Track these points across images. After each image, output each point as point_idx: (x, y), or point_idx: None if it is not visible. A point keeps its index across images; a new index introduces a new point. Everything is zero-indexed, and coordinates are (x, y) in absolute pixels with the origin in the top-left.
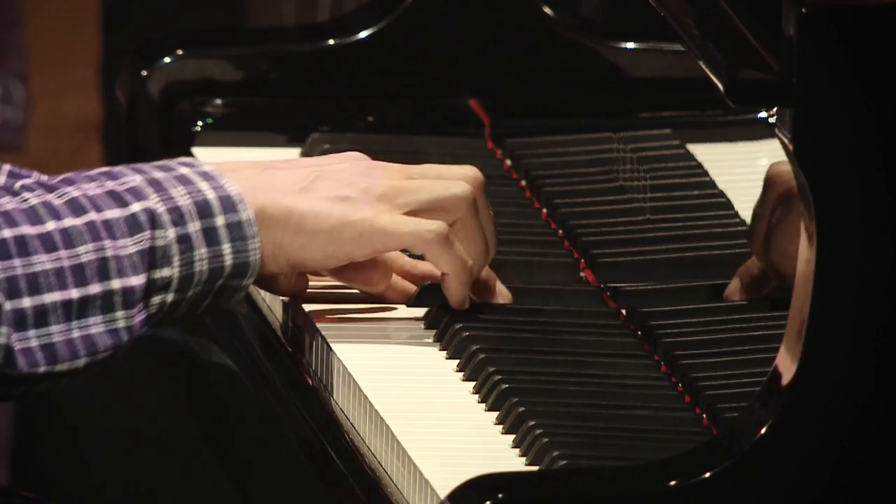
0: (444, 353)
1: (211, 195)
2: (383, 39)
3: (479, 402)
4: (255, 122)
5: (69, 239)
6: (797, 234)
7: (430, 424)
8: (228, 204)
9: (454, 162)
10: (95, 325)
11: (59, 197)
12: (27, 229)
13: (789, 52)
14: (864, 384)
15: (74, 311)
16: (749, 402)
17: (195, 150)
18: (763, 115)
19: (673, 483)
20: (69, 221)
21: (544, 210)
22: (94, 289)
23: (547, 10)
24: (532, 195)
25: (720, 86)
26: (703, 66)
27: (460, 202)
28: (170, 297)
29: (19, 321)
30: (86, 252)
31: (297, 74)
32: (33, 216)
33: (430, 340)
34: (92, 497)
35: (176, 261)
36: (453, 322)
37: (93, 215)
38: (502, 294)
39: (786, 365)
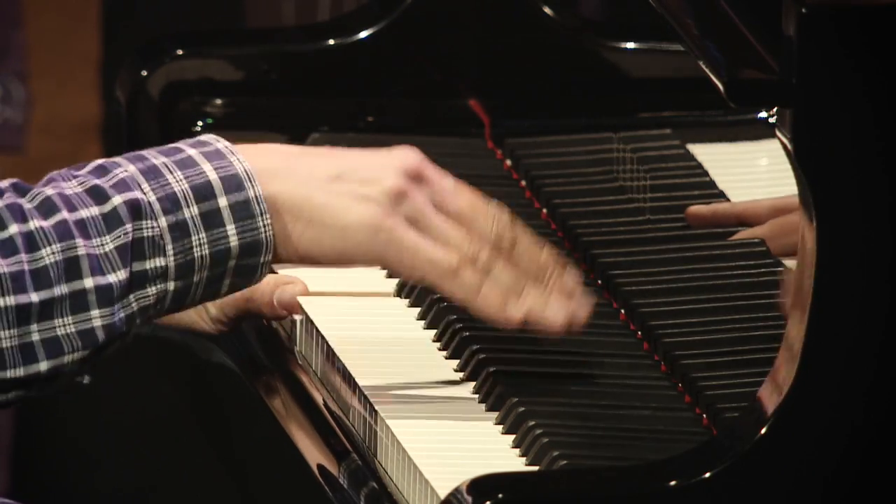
0: (444, 353)
1: (213, 176)
2: (383, 39)
3: (479, 403)
4: (255, 122)
5: (33, 242)
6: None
7: (430, 424)
8: (233, 183)
9: (454, 162)
10: (63, 327)
11: (30, 200)
12: None
13: (789, 52)
14: (863, 384)
15: (34, 314)
16: (749, 402)
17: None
18: (763, 115)
19: (673, 483)
20: (35, 224)
21: (544, 210)
22: (61, 290)
23: (547, 10)
24: (532, 195)
25: (720, 86)
26: (703, 66)
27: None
28: (171, 285)
29: None
30: (51, 254)
31: (297, 74)
32: None
33: (430, 341)
34: (92, 497)
35: (170, 249)
36: (453, 322)
37: (64, 215)
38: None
39: (786, 365)
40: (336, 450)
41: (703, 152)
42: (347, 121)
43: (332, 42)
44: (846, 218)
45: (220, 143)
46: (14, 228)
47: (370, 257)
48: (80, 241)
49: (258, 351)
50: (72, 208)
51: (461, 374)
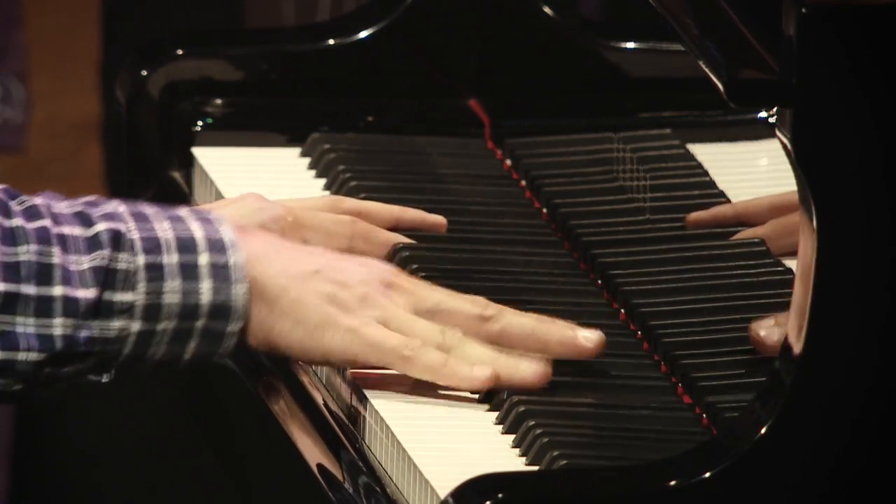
0: None
1: (199, 234)
2: (383, 39)
3: (479, 402)
4: (255, 122)
5: (11, 237)
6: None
7: (430, 424)
8: (217, 245)
9: (454, 162)
10: (23, 325)
11: (19, 203)
12: None
13: (789, 52)
14: (864, 384)
15: (1, 305)
16: (749, 402)
17: (195, 150)
18: (763, 115)
19: (673, 483)
20: (18, 222)
21: (544, 210)
22: (28, 289)
23: (547, 10)
24: (532, 195)
25: (720, 86)
26: (703, 66)
27: (478, 325)
28: (135, 325)
29: None
30: (26, 252)
31: (297, 74)
32: None
33: None
34: (92, 498)
35: (141, 287)
36: None
37: (47, 223)
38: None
39: (786, 365)
40: (336, 449)
41: (703, 152)
42: (347, 121)
43: (332, 42)
44: (846, 218)
45: (212, 213)
46: None
47: (340, 358)
48: (57, 251)
49: (258, 351)
50: (56, 222)
51: None
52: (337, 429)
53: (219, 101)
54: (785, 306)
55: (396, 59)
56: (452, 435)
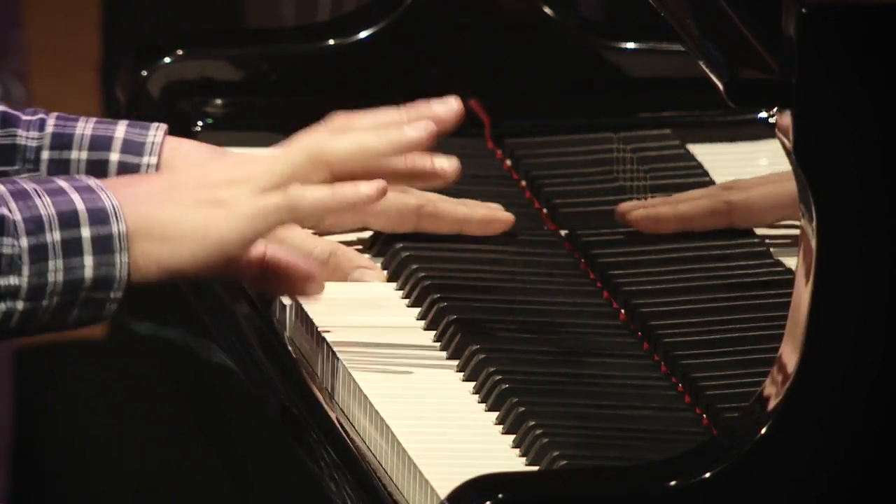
0: (445, 353)
1: (80, 206)
2: (383, 39)
3: (479, 402)
4: (255, 122)
5: None
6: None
7: (431, 424)
8: (99, 216)
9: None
10: None
11: None
12: None
13: (789, 52)
14: (864, 384)
15: None
16: (749, 402)
17: None
18: (763, 115)
19: (673, 483)
20: None
21: (544, 210)
22: None
23: (547, 10)
24: (532, 195)
25: (720, 86)
26: (703, 66)
27: (303, 156)
28: (20, 304)
29: None
30: None
31: (297, 74)
32: None
33: (431, 341)
34: (91, 497)
35: (25, 270)
36: (454, 322)
37: None
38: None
39: (786, 365)
40: (336, 449)
41: (703, 152)
42: None
43: (332, 42)
44: (846, 218)
45: (91, 180)
46: None
47: (235, 247)
48: None
49: (258, 351)
50: None
51: (461, 375)
52: (337, 428)
53: (219, 101)
54: (785, 307)
55: (396, 59)
56: (452, 435)
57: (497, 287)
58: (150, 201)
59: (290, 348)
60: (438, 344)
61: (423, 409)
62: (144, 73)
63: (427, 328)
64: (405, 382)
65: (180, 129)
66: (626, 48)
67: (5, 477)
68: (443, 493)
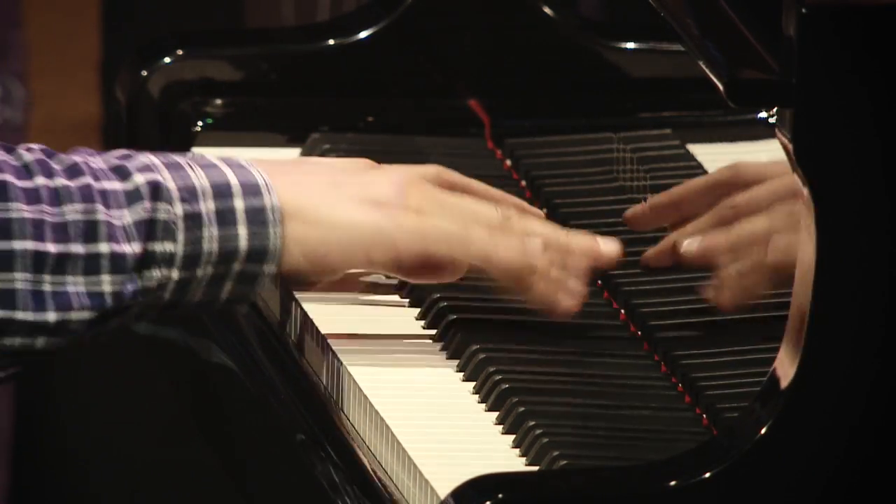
0: (445, 353)
1: (233, 179)
2: (383, 39)
3: (479, 402)
4: (255, 122)
5: (56, 197)
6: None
7: (430, 424)
8: (252, 189)
9: (454, 162)
10: (74, 285)
11: (57, 162)
12: (11, 179)
13: (789, 52)
14: (864, 384)
15: (48, 265)
16: (749, 402)
17: (195, 150)
18: (763, 115)
19: (673, 483)
20: (61, 181)
21: (544, 210)
22: (77, 248)
23: (547, 10)
24: (532, 195)
25: (720, 86)
26: (703, 66)
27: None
28: (174, 273)
29: None
30: (73, 212)
31: (297, 74)
32: (22, 171)
33: (431, 341)
34: (91, 497)
35: (181, 237)
36: (454, 323)
37: (89, 180)
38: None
39: (786, 365)
40: (336, 449)
41: (703, 152)
42: (347, 121)
43: (332, 42)
44: (846, 218)
45: (241, 159)
46: (41, 180)
47: (383, 252)
48: (100, 208)
49: (258, 351)
50: (96, 178)
51: (461, 375)
52: (338, 428)
53: (219, 101)
54: (785, 307)
55: (396, 59)
56: (452, 435)
57: (497, 287)
58: (307, 183)
59: (290, 348)
60: (439, 344)
61: (423, 409)
62: (144, 73)
63: (427, 328)
64: (405, 382)
65: (180, 129)
66: (626, 48)
67: (5, 477)
68: (443, 493)
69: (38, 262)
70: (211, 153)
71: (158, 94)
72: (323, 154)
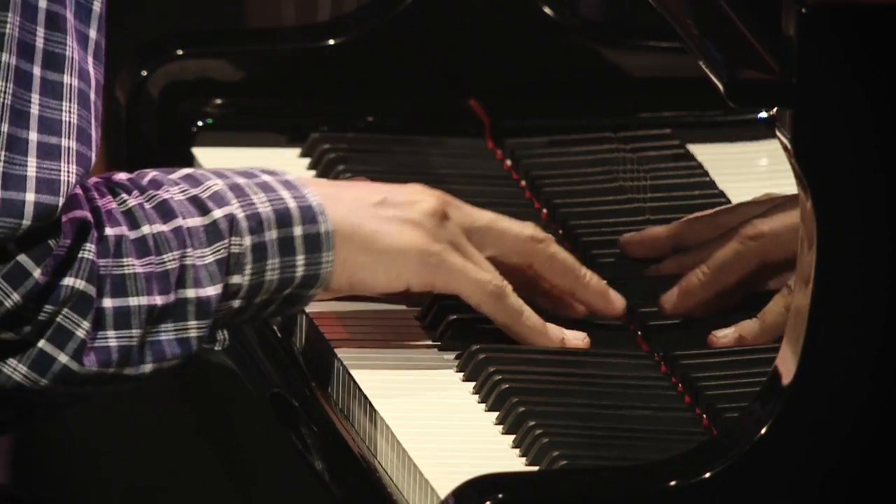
0: (445, 353)
1: (292, 204)
2: (383, 39)
3: (479, 402)
4: (255, 122)
5: (158, 245)
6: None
7: (430, 424)
8: (308, 215)
9: (454, 162)
10: (166, 333)
11: (149, 200)
12: (126, 231)
13: (789, 52)
14: (863, 384)
15: (155, 317)
16: (749, 402)
17: (195, 150)
18: (763, 115)
19: (673, 483)
20: (158, 227)
21: (544, 210)
22: (172, 297)
23: (547, 10)
24: (532, 195)
25: (720, 86)
26: (703, 66)
27: (529, 246)
28: (236, 303)
29: (98, 320)
30: (171, 260)
31: (297, 74)
32: (131, 220)
33: (431, 341)
34: (91, 497)
35: (248, 269)
36: (454, 323)
37: (179, 221)
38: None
39: (786, 365)
40: (336, 449)
41: (703, 152)
42: (347, 121)
43: (332, 42)
44: (846, 218)
45: (287, 175)
46: (146, 229)
47: (420, 281)
48: (189, 251)
49: (258, 351)
50: (182, 216)
51: (461, 375)
52: (337, 428)
53: (219, 101)
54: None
55: (396, 59)
56: (452, 435)
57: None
58: (349, 206)
59: (290, 348)
60: (438, 344)
61: (423, 409)
62: (144, 73)
63: (427, 328)
64: (405, 382)
65: (180, 129)
66: (626, 48)
67: (5, 477)
68: (443, 493)
69: (150, 315)
70: (211, 153)
71: (158, 94)
72: (323, 154)
